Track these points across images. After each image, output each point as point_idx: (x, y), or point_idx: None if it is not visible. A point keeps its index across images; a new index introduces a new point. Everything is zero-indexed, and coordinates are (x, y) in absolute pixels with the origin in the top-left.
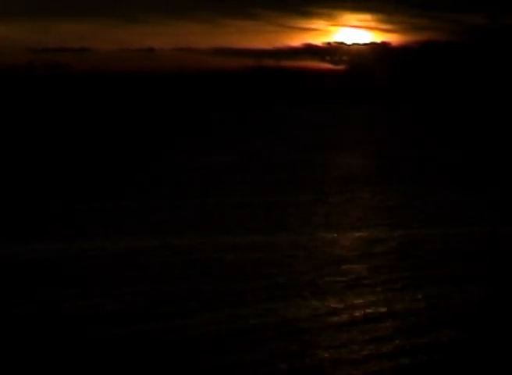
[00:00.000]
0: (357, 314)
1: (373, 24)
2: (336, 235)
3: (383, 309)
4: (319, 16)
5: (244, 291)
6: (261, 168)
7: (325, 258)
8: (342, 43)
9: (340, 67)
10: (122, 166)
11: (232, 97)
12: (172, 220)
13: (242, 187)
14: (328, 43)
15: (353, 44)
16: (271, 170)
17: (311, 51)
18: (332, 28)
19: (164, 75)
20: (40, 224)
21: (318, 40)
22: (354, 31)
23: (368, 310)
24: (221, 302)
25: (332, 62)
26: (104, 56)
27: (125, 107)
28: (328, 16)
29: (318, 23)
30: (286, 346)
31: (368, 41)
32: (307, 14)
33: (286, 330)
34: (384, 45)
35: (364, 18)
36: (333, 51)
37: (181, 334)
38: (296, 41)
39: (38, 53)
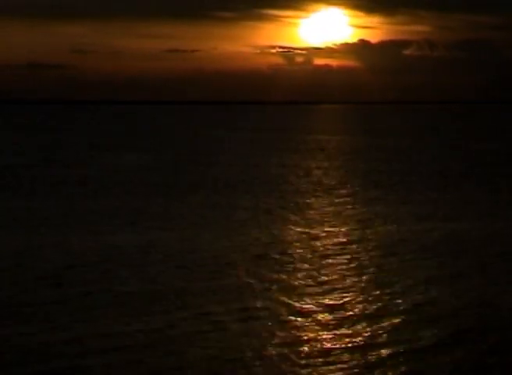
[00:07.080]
0: None
1: (429, 21)
2: None
3: None
4: (375, 14)
5: None
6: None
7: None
8: (394, 41)
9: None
10: None
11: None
12: None
13: None
14: (382, 41)
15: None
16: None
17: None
18: (389, 26)
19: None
20: None
21: (374, 38)
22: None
23: None
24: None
25: (359, 60)
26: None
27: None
28: (386, 15)
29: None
30: None
31: (419, 39)
32: (365, 11)
33: None
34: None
35: (422, 15)
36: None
37: None
38: (353, 38)
39: (75, 54)
